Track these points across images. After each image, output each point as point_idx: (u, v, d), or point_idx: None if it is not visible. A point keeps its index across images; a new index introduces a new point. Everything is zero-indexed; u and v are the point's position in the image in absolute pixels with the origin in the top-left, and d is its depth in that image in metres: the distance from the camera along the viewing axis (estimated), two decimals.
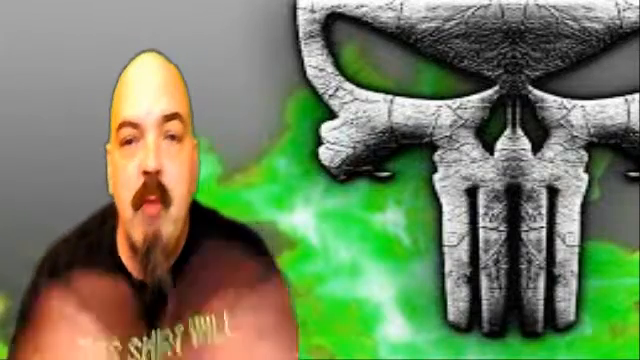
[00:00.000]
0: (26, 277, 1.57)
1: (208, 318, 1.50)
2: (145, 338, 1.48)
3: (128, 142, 1.44)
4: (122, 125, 1.44)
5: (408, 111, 2.40)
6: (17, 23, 2.43)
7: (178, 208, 1.45)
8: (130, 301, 1.48)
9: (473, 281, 2.43)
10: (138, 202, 1.43)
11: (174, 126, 1.45)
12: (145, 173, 1.42)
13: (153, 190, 1.42)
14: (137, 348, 1.48)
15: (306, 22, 2.38)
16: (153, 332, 1.48)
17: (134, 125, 1.43)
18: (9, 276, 2.32)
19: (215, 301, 1.50)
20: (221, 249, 1.53)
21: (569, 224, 2.40)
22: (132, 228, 1.44)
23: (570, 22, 2.34)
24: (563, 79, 2.39)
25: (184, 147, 1.46)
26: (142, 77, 1.47)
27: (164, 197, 1.43)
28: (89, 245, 1.52)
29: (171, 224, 1.44)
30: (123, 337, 1.48)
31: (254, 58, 2.41)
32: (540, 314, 2.42)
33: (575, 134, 2.39)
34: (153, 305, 1.47)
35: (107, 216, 1.53)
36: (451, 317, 2.45)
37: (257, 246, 1.57)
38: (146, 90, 1.45)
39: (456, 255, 2.43)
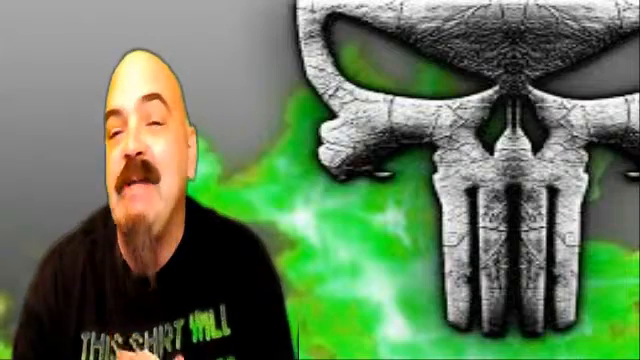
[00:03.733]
0: (26, 277, 1.57)
1: (206, 314, 1.51)
2: (146, 333, 1.49)
3: (116, 134, 1.46)
4: (109, 115, 1.46)
5: (408, 111, 2.40)
6: (18, 24, 2.43)
7: (168, 185, 1.45)
8: (131, 297, 1.49)
9: (473, 281, 2.43)
10: (120, 184, 1.43)
11: (155, 107, 1.46)
12: (126, 156, 1.43)
13: (136, 171, 1.42)
14: (138, 343, 1.49)
15: (306, 22, 2.38)
16: (154, 328, 1.49)
17: (118, 113, 1.45)
18: (9, 276, 2.33)
19: (213, 297, 1.51)
20: (219, 247, 1.53)
21: (569, 224, 2.41)
22: (116, 209, 1.45)
23: (570, 22, 2.34)
24: (563, 79, 2.39)
25: (169, 128, 1.47)
26: (126, 70, 1.49)
27: (150, 176, 1.43)
28: (93, 241, 1.54)
29: (160, 201, 1.44)
30: (125, 332, 1.49)
31: (254, 58, 2.41)
32: (540, 314, 2.42)
33: (575, 134, 2.39)
34: (152, 299, 1.48)
35: (109, 215, 1.54)
36: (451, 317, 2.45)
37: (254, 244, 1.58)
38: (128, 80, 1.48)
39: (456, 255, 2.43)
